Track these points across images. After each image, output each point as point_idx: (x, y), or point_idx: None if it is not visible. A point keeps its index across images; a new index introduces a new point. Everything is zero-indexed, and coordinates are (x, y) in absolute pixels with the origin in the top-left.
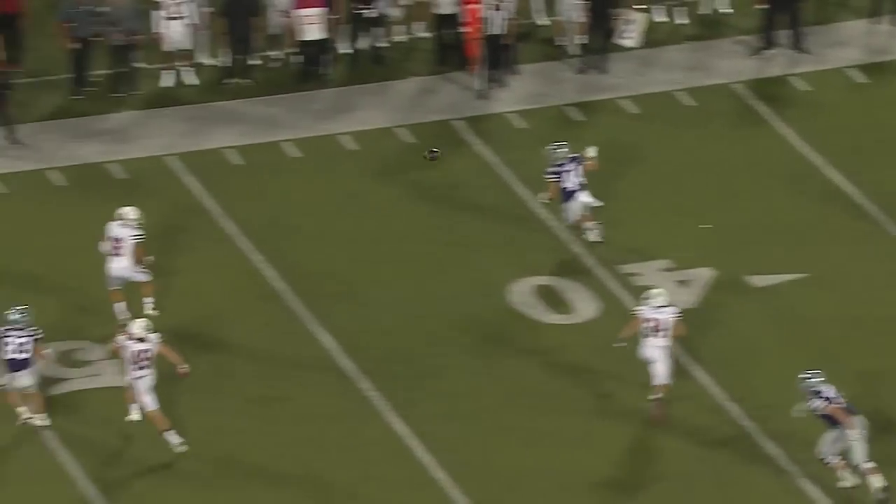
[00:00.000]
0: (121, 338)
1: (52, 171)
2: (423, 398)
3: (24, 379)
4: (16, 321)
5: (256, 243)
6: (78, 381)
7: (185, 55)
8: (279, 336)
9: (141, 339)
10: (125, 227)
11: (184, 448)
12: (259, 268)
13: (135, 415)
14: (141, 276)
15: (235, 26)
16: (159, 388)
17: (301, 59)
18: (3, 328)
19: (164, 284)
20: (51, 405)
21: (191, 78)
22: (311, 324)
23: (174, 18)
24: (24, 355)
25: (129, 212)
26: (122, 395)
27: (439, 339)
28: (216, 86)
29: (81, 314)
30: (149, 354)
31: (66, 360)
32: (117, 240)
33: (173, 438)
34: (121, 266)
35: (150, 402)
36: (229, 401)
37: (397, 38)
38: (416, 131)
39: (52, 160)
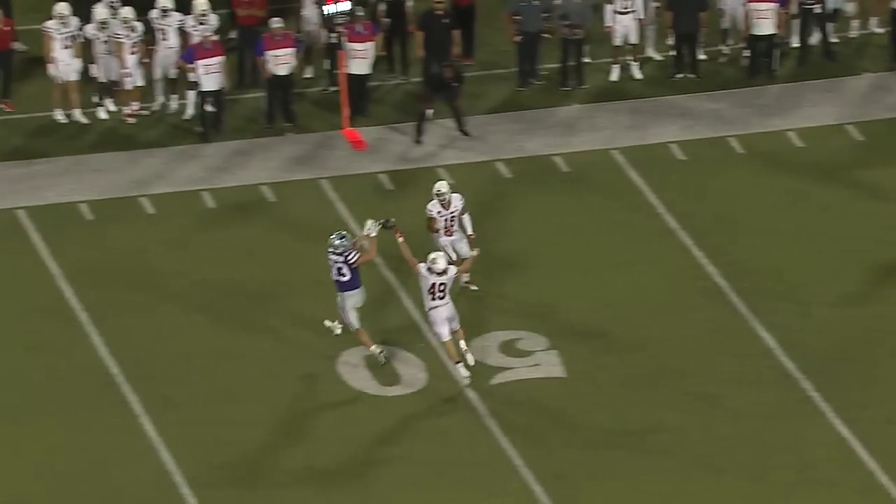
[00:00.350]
0: (422, 266)
1: (499, 162)
2: (869, 401)
3: (354, 299)
4: (337, 246)
5: (697, 239)
6: (519, 371)
7: (633, 49)
8: (719, 332)
9: (442, 273)
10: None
11: (468, 381)
12: (700, 263)
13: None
14: (464, 251)
15: (682, 21)
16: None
17: (749, 54)
18: (328, 251)
19: (606, 277)
20: (492, 394)
21: (637, 72)
22: (752, 321)
23: (624, 13)
24: (344, 278)
25: (440, 186)
26: (561, 387)
27: (882, 340)
28: (663, 80)
29: (524, 305)
30: (444, 288)
31: (509, 349)
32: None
33: (462, 371)
34: (444, 240)
35: (445, 332)
36: (667, 396)
37: (850, 34)
38: (866, 129)
39: (500, 152)
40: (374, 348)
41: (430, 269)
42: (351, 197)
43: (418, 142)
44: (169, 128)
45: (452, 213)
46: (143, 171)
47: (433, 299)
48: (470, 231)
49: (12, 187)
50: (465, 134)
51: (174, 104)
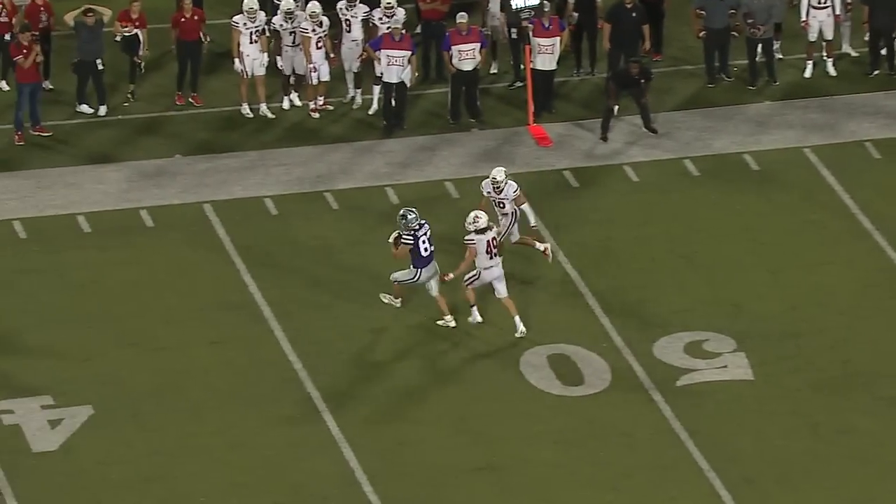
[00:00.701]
0: (470, 237)
1: (687, 160)
2: None
3: (432, 271)
4: (416, 219)
5: (893, 240)
6: (705, 373)
7: (828, 45)
8: None
9: (488, 229)
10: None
11: (524, 334)
12: None
13: (477, 317)
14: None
15: (879, 16)
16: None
17: None
18: (407, 233)
19: (795, 278)
20: (677, 395)
21: (832, 68)
22: None
23: (819, 8)
24: (431, 248)
25: (496, 173)
26: (749, 389)
27: None
28: (858, 77)
29: (711, 306)
30: (496, 243)
31: (695, 350)
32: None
33: (520, 325)
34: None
35: (502, 289)
36: (860, 400)
37: None
38: None
39: (688, 149)
40: (398, 302)
41: (477, 232)
42: (536, 194)
43: (604, 138)
44: (353, 122)
45: (502, 199)
46: (328, 166)
47: (490, 258)
48: (532, 222)
49: (199, 181)
50: (652, 131)
51: (359, 98)
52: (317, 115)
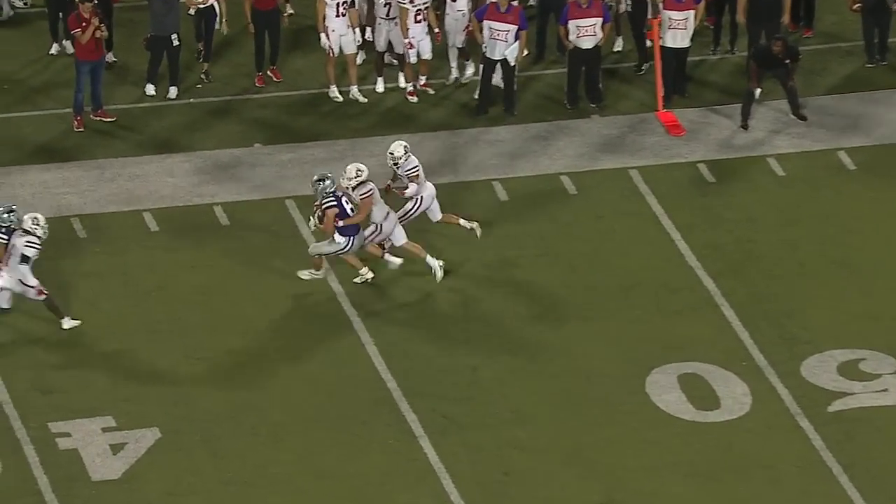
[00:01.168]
0: (363, 191)
1: (842, 151)
2: None
3: (361, 239)
4: (331, 185)
5: None
6: (861, 397)
7: None
8: None
9: (359, 184)
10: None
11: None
12: None
13: (395, 260)
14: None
15: None
16: None
17: None
18: (328, 197)
19: None
20: (829, 422)
21: None
22: None
23: None
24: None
25: (393, 147)
26: None
27: None
28: None
29: (868, 320)
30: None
31: (849, 371)
32: None
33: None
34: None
35: (401, 237)
36: None
37: None
38: None
39: (842, 139)
40: (321, 273)
41: (361, 184)
42: (665, 189)
43: (744, 126)
44: (457, 107)
45: (401, 176)
46: (427, 157)
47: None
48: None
49: (281, 173)
50: (801, 118)
51: (467, 73)
52: (415, 98)
